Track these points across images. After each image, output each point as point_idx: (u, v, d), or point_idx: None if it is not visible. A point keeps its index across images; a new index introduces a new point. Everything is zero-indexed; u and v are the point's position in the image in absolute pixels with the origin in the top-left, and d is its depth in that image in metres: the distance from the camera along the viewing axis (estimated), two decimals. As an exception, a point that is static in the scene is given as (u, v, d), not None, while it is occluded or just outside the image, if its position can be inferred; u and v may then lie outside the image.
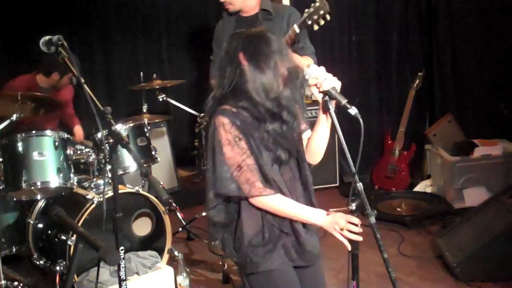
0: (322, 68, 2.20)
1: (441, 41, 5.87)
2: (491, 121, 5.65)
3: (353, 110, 2.05)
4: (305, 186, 2.41)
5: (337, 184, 5.91)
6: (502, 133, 5.43)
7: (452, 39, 5.79)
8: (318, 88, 2.16)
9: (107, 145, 3.58)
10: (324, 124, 2.32)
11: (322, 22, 3.25)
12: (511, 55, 5.30)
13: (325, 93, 2.14)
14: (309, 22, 3.25)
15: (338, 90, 2.14)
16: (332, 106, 2.14)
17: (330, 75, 2.16)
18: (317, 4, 3.20)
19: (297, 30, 3.34)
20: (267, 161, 2.27)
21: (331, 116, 2.16)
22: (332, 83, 2.14)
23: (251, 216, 2.31)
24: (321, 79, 2.14)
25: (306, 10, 3.25)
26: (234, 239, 2.35)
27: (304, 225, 2.35)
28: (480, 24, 5.56)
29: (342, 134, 2.13)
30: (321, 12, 3.20)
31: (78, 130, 5.06)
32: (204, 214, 4.19)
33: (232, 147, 2.21)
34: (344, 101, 2.08)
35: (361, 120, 2.03)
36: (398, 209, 5.17)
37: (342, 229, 2.16)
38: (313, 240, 2.39)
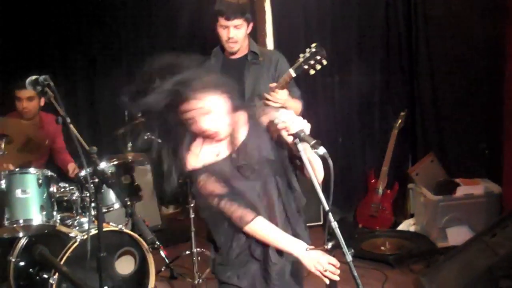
0: (291, 111, 2.25)
1: (422, 82, 5.94)
2: (472, 160, 5.69)
3: (321, 150, 2.09)
4: (286, 213, 2.42)
5: (321, 223, 5.89)
6: (483, 172, 5.49)
7: (433, 81, 5.86)
8: (287, 131, 2.20)
9: (92, 184, 3.57)
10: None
11: (318, 67, 3.26)
12: (491, 95, 5.39)
13: (294, 135, 2.18)
14: (305, 67, 3.28)
15: (307, 132, 2.18)
16: (301, 148, 2.18)
17: (299, 118, 2.20)
18: (313, 49, 3.23)
19: (293, 74, 3.33)
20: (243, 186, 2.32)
21: (301, 157, 2.19)
22: (300, 125, 2.18)
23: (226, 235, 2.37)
24: (289, 123, 2.18)
25: (301, 54, 3.26)
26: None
27: (281, 253, 2.35)
28: (459, 66, 5.65)
29: (313, 174, 2.17)
30: (318, 57, 3.22)
31: (72, 168, 4.55)
32: (187, 252, 4.16)
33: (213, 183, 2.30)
34: (312, 142, 2.11)
35: (329, 160, 2.06)
36: (382, 248, 5.17)
37: (325, 270, 2.17)
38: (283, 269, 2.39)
